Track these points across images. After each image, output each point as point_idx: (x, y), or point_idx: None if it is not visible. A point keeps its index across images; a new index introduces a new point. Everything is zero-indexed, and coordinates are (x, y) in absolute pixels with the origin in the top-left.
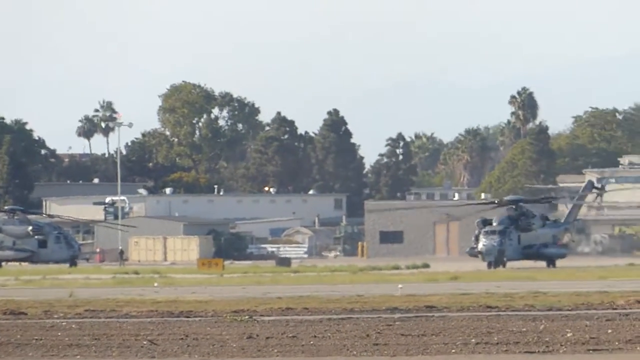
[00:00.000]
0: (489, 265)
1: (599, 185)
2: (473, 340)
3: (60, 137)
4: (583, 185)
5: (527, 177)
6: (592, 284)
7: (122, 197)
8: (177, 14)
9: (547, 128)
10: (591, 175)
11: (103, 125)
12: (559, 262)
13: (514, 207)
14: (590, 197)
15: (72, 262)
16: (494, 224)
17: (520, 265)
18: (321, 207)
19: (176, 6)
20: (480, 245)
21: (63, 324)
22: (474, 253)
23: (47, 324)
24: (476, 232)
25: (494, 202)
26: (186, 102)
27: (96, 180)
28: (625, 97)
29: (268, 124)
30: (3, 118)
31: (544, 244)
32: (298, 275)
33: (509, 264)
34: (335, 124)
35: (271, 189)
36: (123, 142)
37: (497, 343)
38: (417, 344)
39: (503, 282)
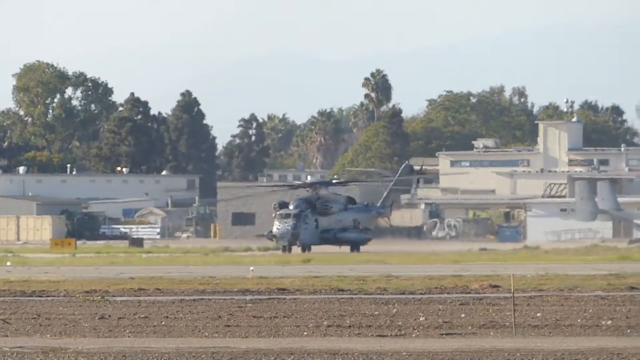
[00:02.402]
0: (283, 249)
1: (419, 168)
2: (325, 322)
3: None
4: (400, 169)
5: (381, 159)
6: (445, 267)
7: None
8: None
9: (400, 111)
10: (445, 158)
11: None
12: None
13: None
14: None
15: None
16: (291, 207)
17: (324, 250)
18: (174, 188)
19: None
20: (274, 229)
21: None
22: (270, 236)
23: None
24: (273, 214)
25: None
26: (40, 81)
27: None
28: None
29: (121, 105)
30: None
31: (342, 228)
32: (150, 256)
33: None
34: (188, 104)
35: (124, 169)
36: None
37: (350, 326)
38: (269, 326)
39: (355, 265)
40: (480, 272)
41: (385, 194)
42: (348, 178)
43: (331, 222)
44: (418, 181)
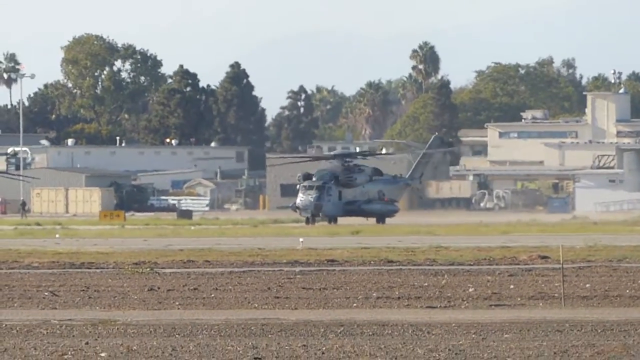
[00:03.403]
0: (307, 221)
1: (449, 142)
2: (374, 294)
3: None
4: (430, 141)
5: (430, 131)
6: (494, 239)
7: (24, 148)
8: None
9: (449, 82)
10: (493, 129)
11: (6, 76)
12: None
13: (337, 161)
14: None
15: None
16: (314, 178)
17: (350, 222)
18: (223, 160)
19: None
20: (297, 200)
21: None
22: (293, 208)
23: None
24: (297, 186)
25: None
26: (89, 54)
27: None
28: (528, 52)
29: (170, 77)
30: None
31: (367, 200)
32: (199, 228)
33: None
34: (237, 76)
35: (173, 141)
36: (26, 93)
37: (399, 297)
38: (318, 298)
39: (405, 236)
40: (529, 243)
41: (414, 165)
42: (372, 150)
43: (356, 193)
44: (446, 154)
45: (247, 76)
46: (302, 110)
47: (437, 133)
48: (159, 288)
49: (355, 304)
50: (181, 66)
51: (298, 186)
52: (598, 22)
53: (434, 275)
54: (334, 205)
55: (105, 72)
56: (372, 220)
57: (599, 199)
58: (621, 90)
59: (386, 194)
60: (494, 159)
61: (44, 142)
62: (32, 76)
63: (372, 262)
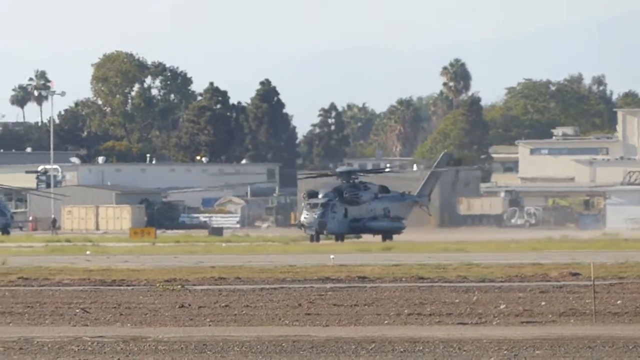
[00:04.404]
0: (311, 238)
1: (457, 159)
2: (406, 311)
3: None
4: (438, 158)
5: (460, 147)
6: (525, 255)
7: (55, 166)
8: None
9: (479, 99)
10: (524, 146)
11: (36, 93)
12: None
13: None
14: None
15: (5, 230)
16: (320, 195)
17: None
18: (254, 177)
19: None
20: (302, 218)
21: None
22: (299, 225)
23: None
24: (303, 204)
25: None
26: (119, 71)
27: (29, 149)
28: (558, 68)
29: (200, 94)
30: None
31: (372, 217)
32: (230, 245)
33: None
34: (268, 93)
35: (203, 159)
36: (56, 111)
37: (430, 314)
38: (349, 314)
39: (435, 253)
40: (560, 260)
41: (422, 182)
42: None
43: (362, 211)
44: (458, 172)
45: (278, 93)
46: (333, 127)
47: (446, 150)
48: (190, 305)
49: (386, 321)
50: (211, 83)
51: (303, 204)
52: (628, 38)
53: (465, 292)
54: (338, 222)
55: (135, 90)
56: (379, 237)
57: (629, 215)
58: None
59: (393, 211)
60: (525, 175)
61: (75, 159)
62: (63, 94)
63: (403, 278)
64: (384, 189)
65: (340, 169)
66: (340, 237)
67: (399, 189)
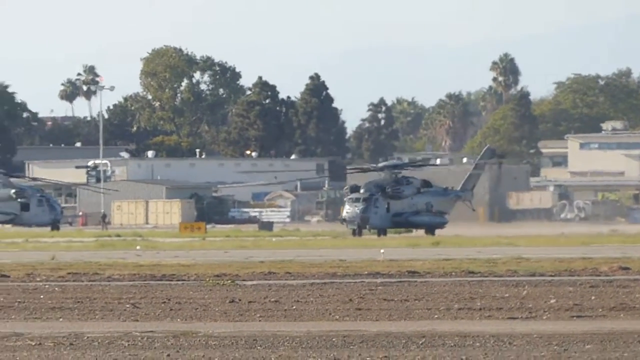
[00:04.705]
0: (353, 232)
1: (500, 153)
2: (456, 305)
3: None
4: (482, 152)
5: (509, 142)
6: (575, 250)
7: (105, 161)
8: None
9: (528, 94)
10: (574, 140)
11: (85, 88)
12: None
13: (385, 173)
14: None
15: (55, 225)
16: (362, 190)
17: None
18: (303, 173)
19: None
20: (344, 213)
21: (46, 286)
22: (341, 220)
23: (29, 286)
24: (344, 198)
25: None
26: (168, 66)
27: (78, 144)
28: (607, 62)
29: (249, 89)
30: None
31: (415, 212)
32: (280, 240)
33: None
34: (317, 88)
35: (253, 153)
36: (105, 105)
37: (480, 309)
38: (400, 309)
39: (485, 247)
40: (610, 254)
41: (465, 177)
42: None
43: (404, 205)
44: (501, 166)
45: (327, 88)
46: (382, 122)
47: (489, 145)
48: (240, 300)
49: (436, 315)
50: (260, 78)
51: (345, 198)
52: None
53: (515, 287)
54: (380, 217)
55: (184, 84)
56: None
57: None
58: None
59: (436, 205)
60: (575, 170)
61: (124, 154)
62: (112, 88)
63: (453, 273)
64: (427, 184)
65: (381, 163)
66: (382, 231)
67: (449, 183)
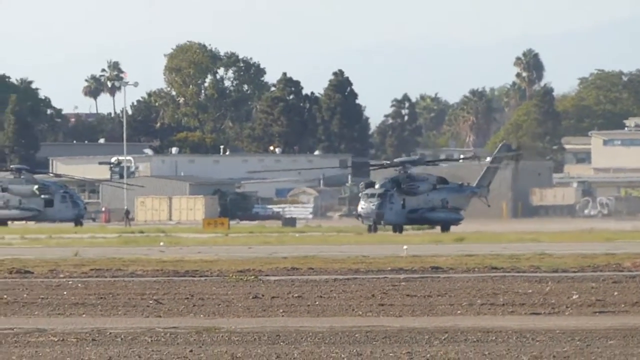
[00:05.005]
0: (369, 229)
1: (515, 149)
2: (479, 301)
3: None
4: (497, 148)
5: (533, 138)
6: (598, 245)
7: (128, 157)
8: None
9: (552, 90)
10: (597, 137)
11: (109, 84)
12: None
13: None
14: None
15: (78, 221)
16: (377, 186)
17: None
18: (326, 168)
19: None
20: (359, 208)
21: (69, 282)
22: (357, 215)
23: (53, 282)
24: (360, 194)
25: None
26: (192, 62)
27: (102, 140)
28: (631, 59)
29: (274, 85)
30: (9, 77)
31: (430, 208)
32: (303, 236)
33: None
34: (341, 84)
35: (276, 149)
36: (129, 101)
37: (503, 304)
38: (422, 305)
39: (508, 243)
40: (633, 250)
41: (481, 173)
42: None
43: (420, 201)
44: (517, 160)
45: (351, 84)
46: (405, 118)
47: (504, 141)
48: (263, 295)
49: (459, 311)
50: (284, 74)
51: (360, 194)
52: None
53: (538, 282)
54: (396, 213)
55: (208, 81)
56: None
57: None
58: None
59: (451, 202)
60: (598, 166)
61: (148, 150)
62: (136, 84)
63: (476, 269)
64: (443, 180)
65: (398, 159)
66: (398, 228)
67: (472, 179)
